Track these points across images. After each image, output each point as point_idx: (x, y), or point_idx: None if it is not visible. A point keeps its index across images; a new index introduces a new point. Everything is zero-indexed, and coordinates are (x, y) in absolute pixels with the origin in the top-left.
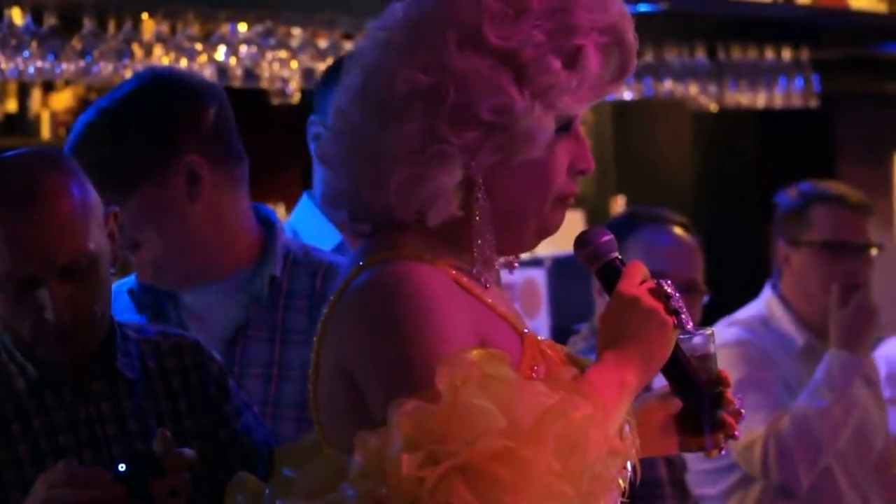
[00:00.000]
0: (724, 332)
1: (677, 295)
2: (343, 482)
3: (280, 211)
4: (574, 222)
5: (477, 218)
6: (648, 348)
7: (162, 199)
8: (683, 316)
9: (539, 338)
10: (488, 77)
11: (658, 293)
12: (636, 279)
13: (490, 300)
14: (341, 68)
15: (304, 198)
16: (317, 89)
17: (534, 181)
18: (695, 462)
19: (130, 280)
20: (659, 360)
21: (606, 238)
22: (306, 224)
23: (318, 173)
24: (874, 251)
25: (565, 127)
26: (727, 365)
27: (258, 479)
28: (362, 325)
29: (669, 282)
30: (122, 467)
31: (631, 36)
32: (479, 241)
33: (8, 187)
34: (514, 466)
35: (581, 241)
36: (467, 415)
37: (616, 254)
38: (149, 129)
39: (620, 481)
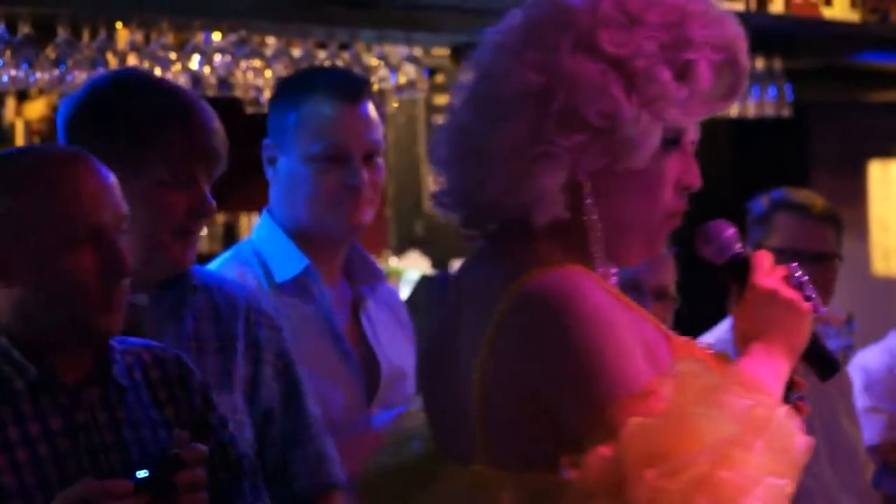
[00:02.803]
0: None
1: (806, 278)
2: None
3: (254, 220)
4: None
5: (587, 221)
6: (792, 335)
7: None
8: (815, 299)
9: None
10: (598, 82)
11: (791, 281)
12: (768, 269)
13: (634, 304)
14: (289, 87)
15: (265, 216)
16: (270, 108)
17: (642, 191)
18: None
19: None
20: (801, 345)
21: (730, 232)
22: (269, 244)
23: (276, 192)
24: (836, 262)
25: (674, 140)
26: None
27: (242, 489)
28: (545, 344)
29: (797, 265)
30: (141, 474)
31: (744, 56)
32: (594, 243)
33: (60, 152)
34: (737, 470)
35: (705, 237)
36: (693, 425)
37: (739, 245)
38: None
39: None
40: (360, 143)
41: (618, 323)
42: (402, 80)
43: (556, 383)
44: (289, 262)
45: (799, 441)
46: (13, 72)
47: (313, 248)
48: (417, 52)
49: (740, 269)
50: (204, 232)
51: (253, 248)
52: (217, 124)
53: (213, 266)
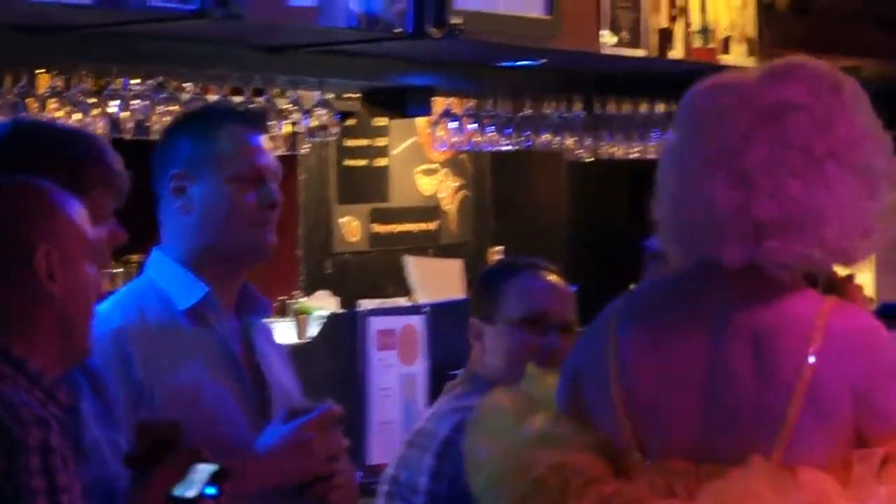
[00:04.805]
0: None
1: None
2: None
3: None
4: (453, 271)
5: None
6: None
7: None
8: None
9: None
10: None
11: None
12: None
13: None
14: (196, 120)
15: (156, 253)
16: (173, 141)
17: None
18: None
19: None
20: None
21: None
22: (166, 276)
23: (169, 229)
24: None
25: None
26: None
27: None
28: (873, 359)
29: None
30: None
31: None
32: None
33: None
34: None
35: None
36: None
37: None
38: None
39: None
40: (271, 167)
41: None
42: (315, 123)
43: (881, 391)
44: (188, 290)
45: None
46: None
47: (217, 275)
48: (329, 96)
49: None
50: (119, 271)
51: (149, 282)
52: (118, 157)
53: (107, 303)
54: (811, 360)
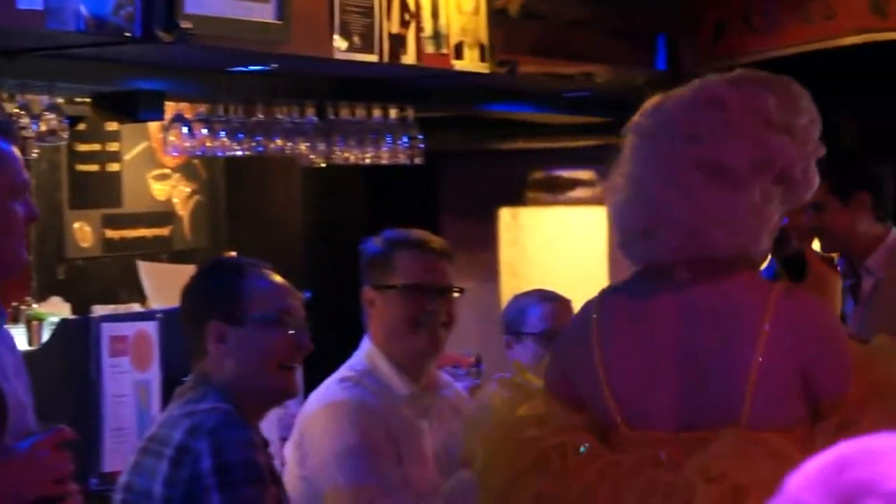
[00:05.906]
0: (334, 388)
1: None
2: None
3: None
4: (186, 276)
5: None
6: None
7: None
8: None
9: None
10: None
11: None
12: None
13: None
14: None
15: None
16: None
17: None
18: None
19: None
20: None
21: None
22: None
23: None
24: (456, 294)
25: None
26: (344, 424)
27: None
28: (815, 333)
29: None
30: None
31: None
32: None
33: None
34: None
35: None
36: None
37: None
38: None
39: None
40: (28, 179)
41: None
42: (44, 128)
43: (825, 363)
44: None
45: None
46: None
47: None
48: (59, 100)
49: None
50: None
51: None
52: None
53: None
54: (764, 337)
